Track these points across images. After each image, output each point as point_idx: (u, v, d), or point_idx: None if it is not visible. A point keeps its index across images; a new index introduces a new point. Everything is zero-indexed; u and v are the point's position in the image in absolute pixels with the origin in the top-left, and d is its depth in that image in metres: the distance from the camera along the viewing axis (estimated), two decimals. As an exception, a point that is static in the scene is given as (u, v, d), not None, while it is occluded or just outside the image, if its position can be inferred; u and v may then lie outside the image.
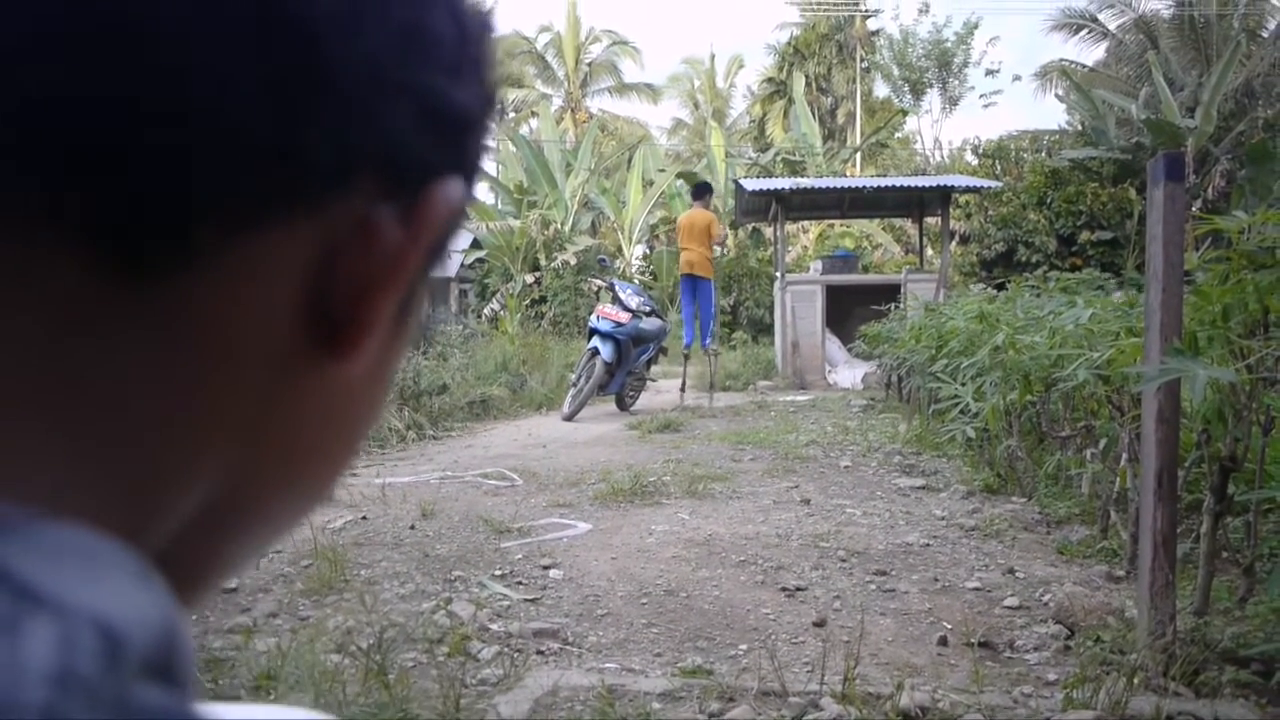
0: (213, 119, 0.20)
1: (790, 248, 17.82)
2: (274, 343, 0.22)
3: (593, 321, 7.66)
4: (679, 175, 18.53)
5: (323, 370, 0.24)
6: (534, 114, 26.35)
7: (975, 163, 17.00)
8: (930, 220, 12.85)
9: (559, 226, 17.64)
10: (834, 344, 10.97)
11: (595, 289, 16.78)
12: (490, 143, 0.28)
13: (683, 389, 8.17)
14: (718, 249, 8.85)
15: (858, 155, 22.17)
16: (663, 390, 9.72)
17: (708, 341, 8.24)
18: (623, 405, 7.99)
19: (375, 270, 0.23)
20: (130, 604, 0.18)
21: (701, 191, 8.77)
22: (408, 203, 0.24)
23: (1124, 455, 2.95)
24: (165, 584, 0.24)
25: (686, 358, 8.29)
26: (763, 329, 15.84)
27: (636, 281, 16.00)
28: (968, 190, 11.52)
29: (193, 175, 0.20)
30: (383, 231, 0.23)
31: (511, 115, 30.45)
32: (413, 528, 3.52)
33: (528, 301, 16.60)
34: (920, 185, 10.69)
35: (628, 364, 7.54)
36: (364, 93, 0.22)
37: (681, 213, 17.70)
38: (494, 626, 2.46)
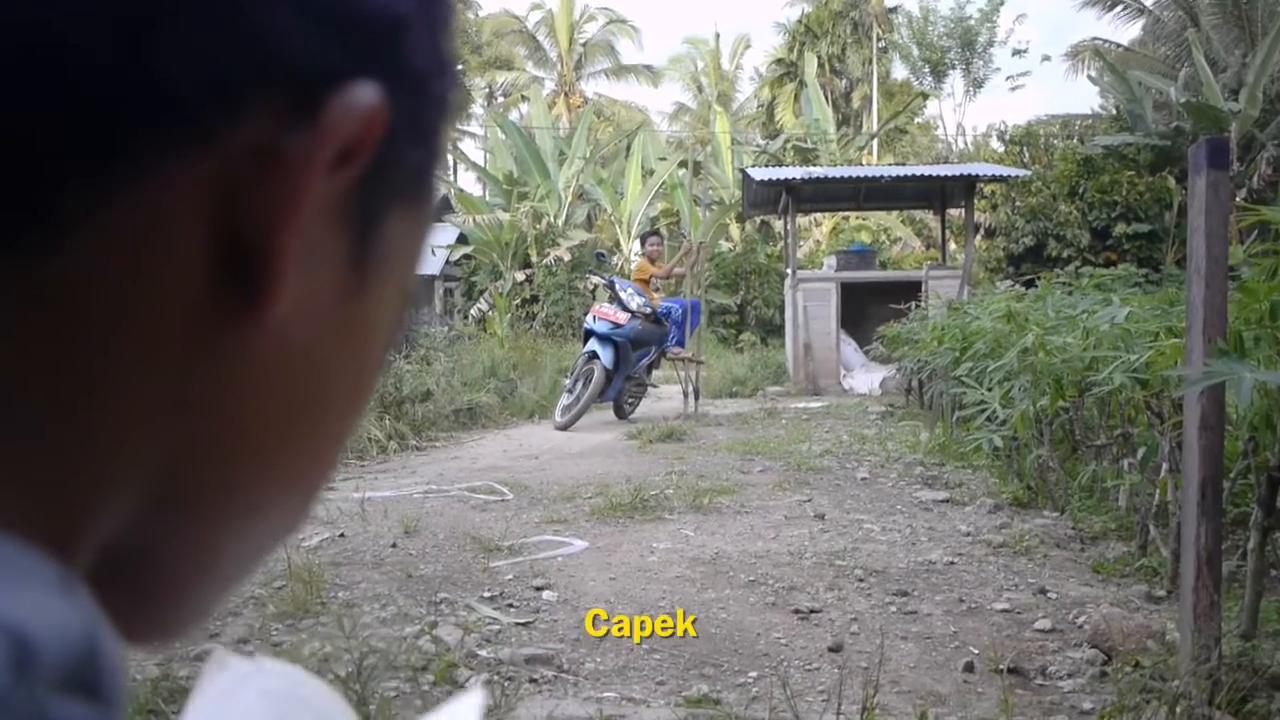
0: (48, 60, 0.19)
1: (802, 242, 17.83)
2: (183, 306, 0.21)
3: (589, 323, 7.67)
4: (681, 164, 18.52)
5: (245, 324, 0.22)
6: (524, 98, 26.39)
7: (1002, 150, 17.03)
8: (953, 212, 12.87)
9: (552, 219, 17.66)
10: (849, 346, 10.97)
11: (592, 287, 16.90)
12: (446, 50, 0.26)
13: (687, 396, 8.16)
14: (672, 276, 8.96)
15: (875, 142, 22.21)
16: (664, 396, 9.72)
17: (671, 344, 8.22)
18: (621, 413, 7.98)
19: (277, 199, 0.22)
20: (46, 614, 0.18)
21: (642, 240, 9.05)
22: (308, 113, 0.22)
23: (1164, 465, 2.95)
24: (123, 599, 0.24)
25: (690, 360, 8.29)
26: (772, 330, 15.85)
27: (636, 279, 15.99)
28: (994, 179, 11.55)
29: (37, 138, 0.19)
30: (285, 155, 0.22)
31: (500, 100, 30.53)
32: (394, 546, 3.52)
33: (518, 301, 16.62)
34: (942, 174, 10.71)
35: (627, 369, 7.54)
36: None
37: (684, 205, 17.83)
38: (483, 653, 2.46)
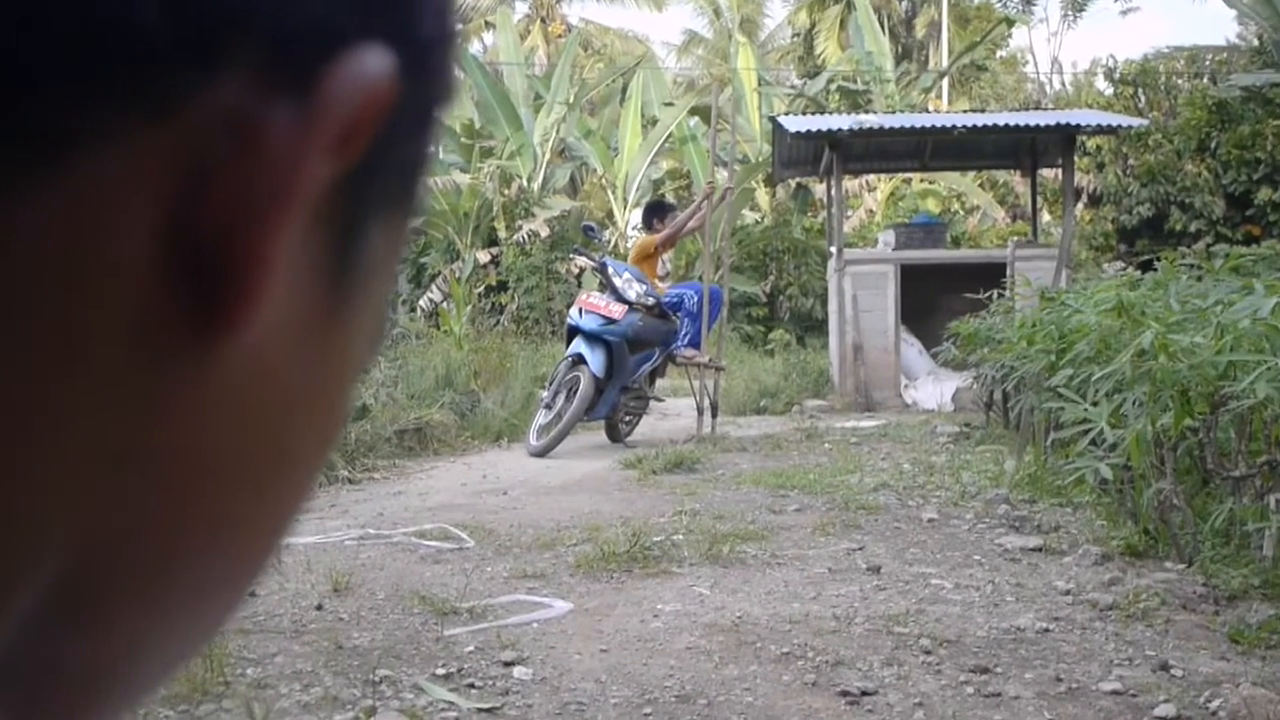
0: None
1: (850, 213, 17.89)
2: (126, 324, 0.21)
3: (573, 318, 7.68)
4: (693, 112, 18.56)
5: (207, 349, 0.22)
6: (489, 25, 26.43)
7: (1110, 92, 17.09)
8: (1047, 174, 12.89)
9: (525, 183, 17.73)
10: (912, 348, 10.99)
11: (577, 271, 16.95)
12: (450, 10, 0.26)
13: (702, 412, 8.17)
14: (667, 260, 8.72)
15: (945, 82, 22.26)
16: (671, 413, 9.71)
17: (680, 344, 8.18)
18: (616, 435, 7.99)
19: (259, 189, 0.22)
20: None
21: (650, 216, 8.72)
22: (300, 85, 0.22)
23: (1323, 503, 2.95)
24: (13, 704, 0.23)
25: (708, 366, 8.30)
26: (811, 327, 15.89)
27: (634, 261, 16.01)
28: (1099, 131, 11.57)
29: None
30: (267, 133, 0.21)
31: (458, 28, 30.54)
32: (320, 608, 3.51)
33: (481, 289, 16.67)
34: (1033, 124, 10.73)
35: (622, 377, 7.55)
36: None
37: (696, 165, 17.85)
38: (436, 748, 2.45)
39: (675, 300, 8.16)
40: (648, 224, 8.63)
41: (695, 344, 8.23)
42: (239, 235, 0.21)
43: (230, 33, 0.21)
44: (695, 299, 8.21)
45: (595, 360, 7.34)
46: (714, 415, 8.24)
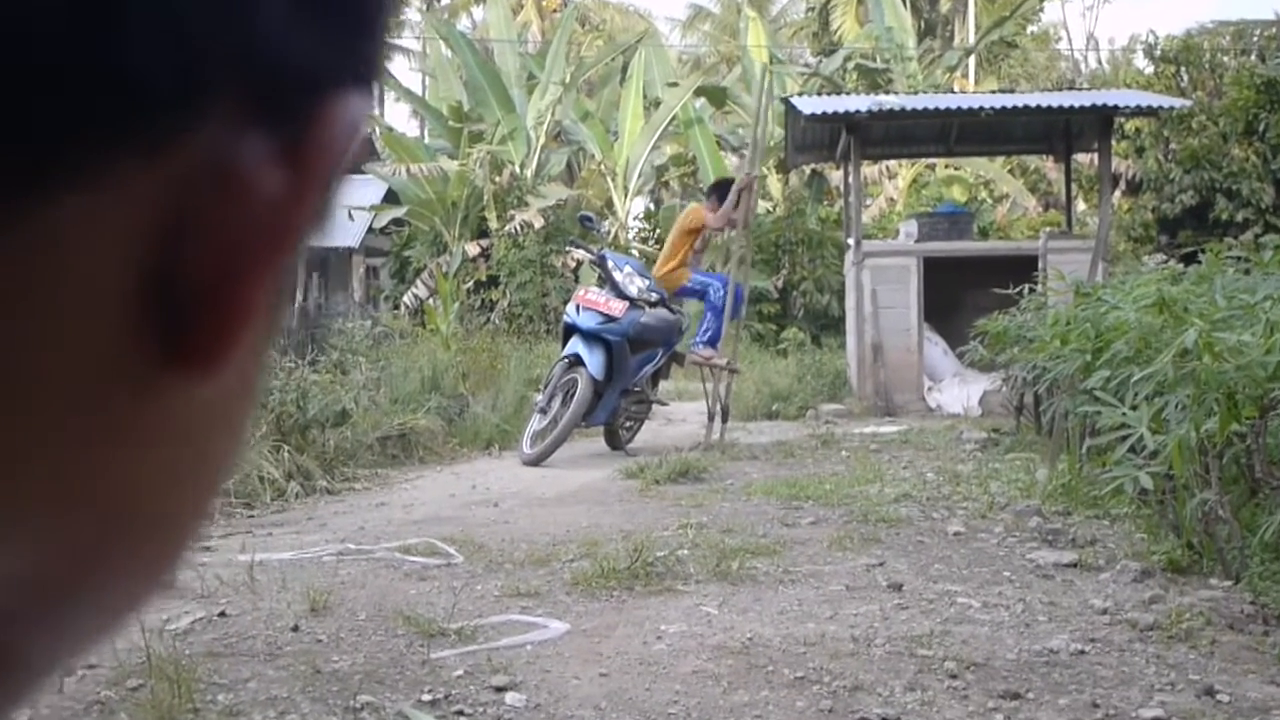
0: None
1: (870, 201, 17.90)
2: (100, 360, 0.22)
3: (570, 315, 7.68)
4: (699, 92, 18.60)
5: (173, 392, 0.24)
6: (479, 0, 26.47)
7: (1150, 71, 17.07)
8: (1082, 159, 12.88)
9: (517, 170, 17.73)
10: (937, 347, 10.98)
11: (574, 265, 16.92)
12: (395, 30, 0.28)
13: (713, 417, 8.16)
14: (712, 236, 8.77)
15: (971, 60, 22.26)
16: (676, 418, 9.71)
17: (699, 342, 8.17)
18: (616, 442, 8.00)
19: (245, 235, 0.23)
20: None
21: (719, 191, 8.75)
22: (289, 130, 0.23)
23: (1381, 514, 2.95)
24: None
25: (724, 368, 8.29)
26: (827, 325, 15.88)
27: (637, 254, 16.03)
28: (1138, 112, 11.57)
29: None
30: (254, 176, 0.23)
31: (445, 1, 30.61)
32: (296, 629, 3.52)
33: (470, 285, 16.69)
34: (1067, 105, 10.72)
35: (623, 380, 7.55)
36: None
37: (702, 149, 17.85)
38: (422, 780, 2.46)
39: (700, 288, 8.11)
40: (715, 197, 8.63)
41: (714, 342, 8.19)
42: (225, 281, 0.23)
43: (220, 74, 0.22)
44: (721, 291, 8.16)
45: (594, 361, 7.34)
46: (724, 421, 8.24)
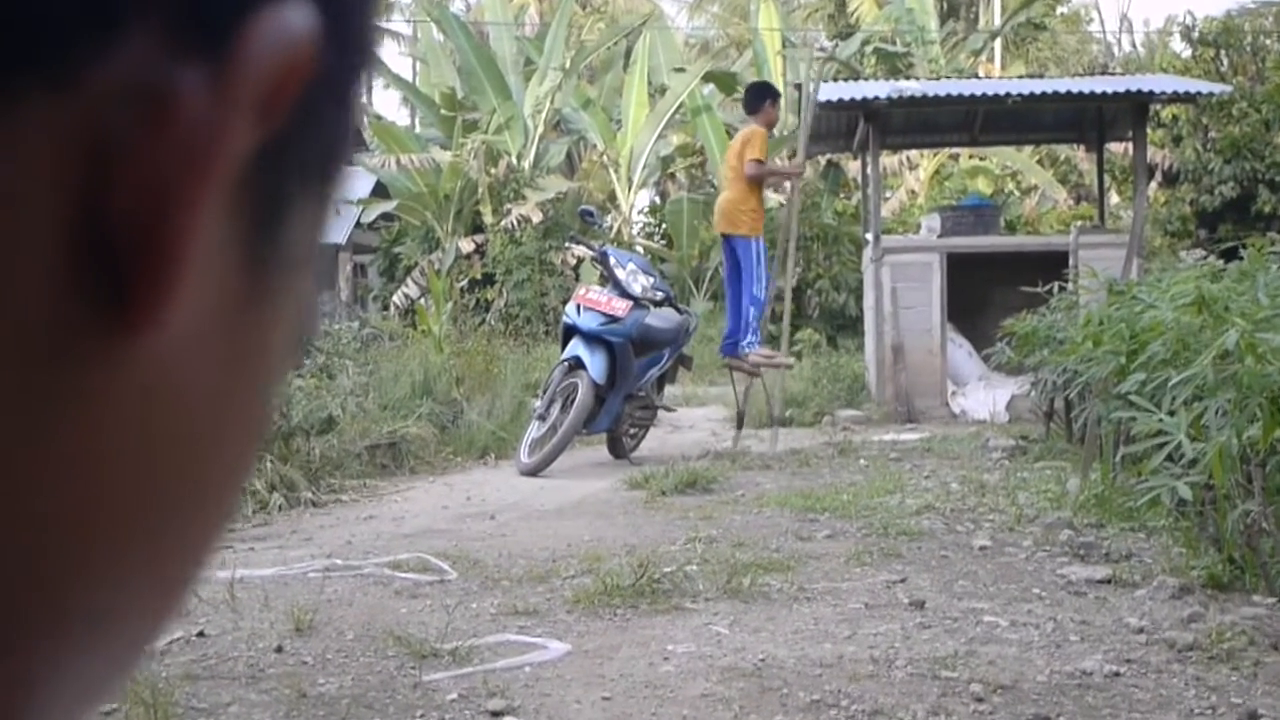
0: None
1: (889, 193, 17.89)
2: (24, 323, 0.21)
3: (570, 315, 7.68)
4: (708, 78, 18.58)
5: (116, 349, 0.22)
6: (473, -21, 26.49)
7: (1187, 54, 17.06)
8: (1115, 149, 12.87)
9: (514, 161, 17.72)
10: (961, 349, 10.98)
11: (574, 262, 16.90)
12: None
13: (741, 422, 8.15)
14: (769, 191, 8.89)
15: (997, 43, 22.25)
16: (684, 424, 9.70)
17: (739, 344, 8.14)
18: (619, 450, 8.00)
19: (173, 166, 0.22)
20: None
21: (754, 100, 8.48)
22: (219, 53, 0.22)
23: None
24: None
25: (742, 370, 8.28)
26: (844, 325, 15.89)
27: (641, 251, 16.04)
28: (1175, 99, 11.55)
29: None
30: (179, 102, 0.22)
31: (436, -18, 30.61)
32: (280, 650, 3.52)
33: (464, 283, 16.68)
34: (1099, 91, 10.72)
35: (627, 384, 7.55)
36: None
37: (711, 135, 17.83)
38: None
39: (750, 268, 7.95)
40: (754, 109, 8.35)
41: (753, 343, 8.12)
42: (151, 219, 0.22)
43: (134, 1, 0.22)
44: (764, 289, 8.12)
45: (595, 364, 7.34)
46: (739, 427, 8.23)
